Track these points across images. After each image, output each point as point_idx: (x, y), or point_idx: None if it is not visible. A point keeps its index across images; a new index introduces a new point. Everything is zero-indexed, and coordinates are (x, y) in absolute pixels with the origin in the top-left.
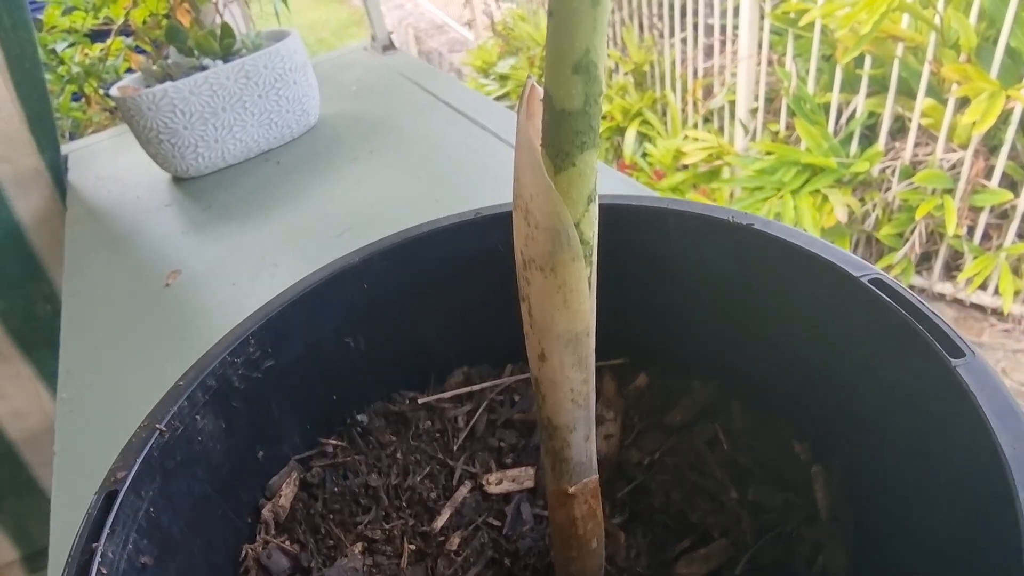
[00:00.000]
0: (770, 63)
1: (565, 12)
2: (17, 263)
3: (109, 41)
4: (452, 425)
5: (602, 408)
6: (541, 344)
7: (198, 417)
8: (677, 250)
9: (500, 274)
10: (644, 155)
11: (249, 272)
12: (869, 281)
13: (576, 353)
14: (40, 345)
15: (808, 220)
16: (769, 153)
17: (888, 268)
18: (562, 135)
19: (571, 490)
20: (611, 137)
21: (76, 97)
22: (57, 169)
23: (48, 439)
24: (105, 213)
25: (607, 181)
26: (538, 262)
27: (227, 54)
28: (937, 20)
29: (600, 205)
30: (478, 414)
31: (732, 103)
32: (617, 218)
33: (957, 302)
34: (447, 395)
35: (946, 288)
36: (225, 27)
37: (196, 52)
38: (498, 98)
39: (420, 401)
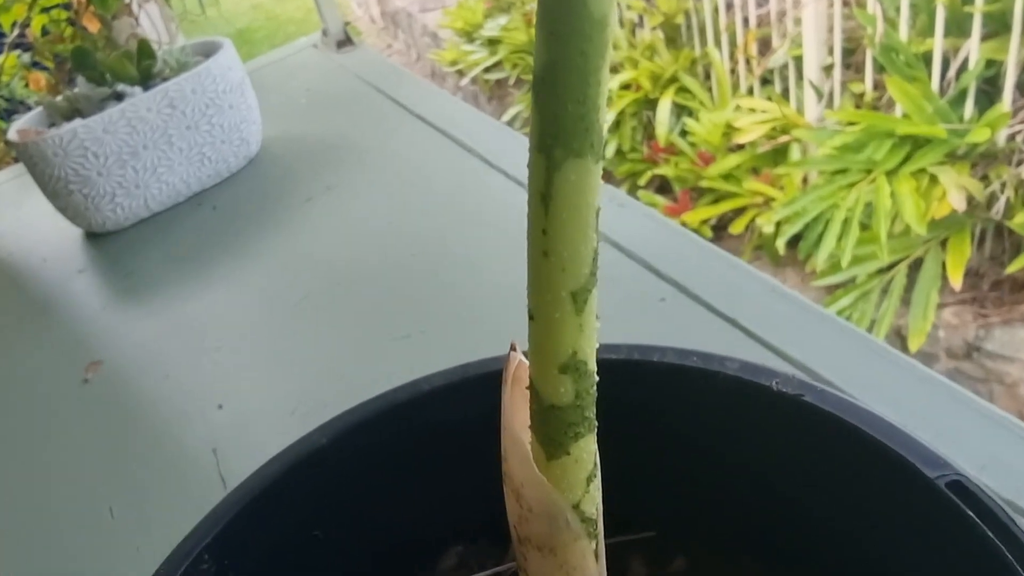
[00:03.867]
0: (846, 3)
1: (546, 319)
2: None
3: (2, 58)
4: None
5: None
6: None
7: None
8: (711, 416)
9: (495, 440)
10: (684, 133)
11: (187, 359)
12: (946, 484)
13: None
14: None
15: (910, 211)
16: (853, 123)
17: None
18: (553, 427)
19: None
20: (638, 112)
21: None
22: None
23: None
24: (6, 286)
25: (628, 218)
26: (535, 542)
27: (146, 78)
28: None
29: (615, 360)
30: None
31: (798, 59)
32: (636, 377)
33: None
34: None
35: None
36: (143, 45)
37: (109, 78)
38: (487, 69)
39: None
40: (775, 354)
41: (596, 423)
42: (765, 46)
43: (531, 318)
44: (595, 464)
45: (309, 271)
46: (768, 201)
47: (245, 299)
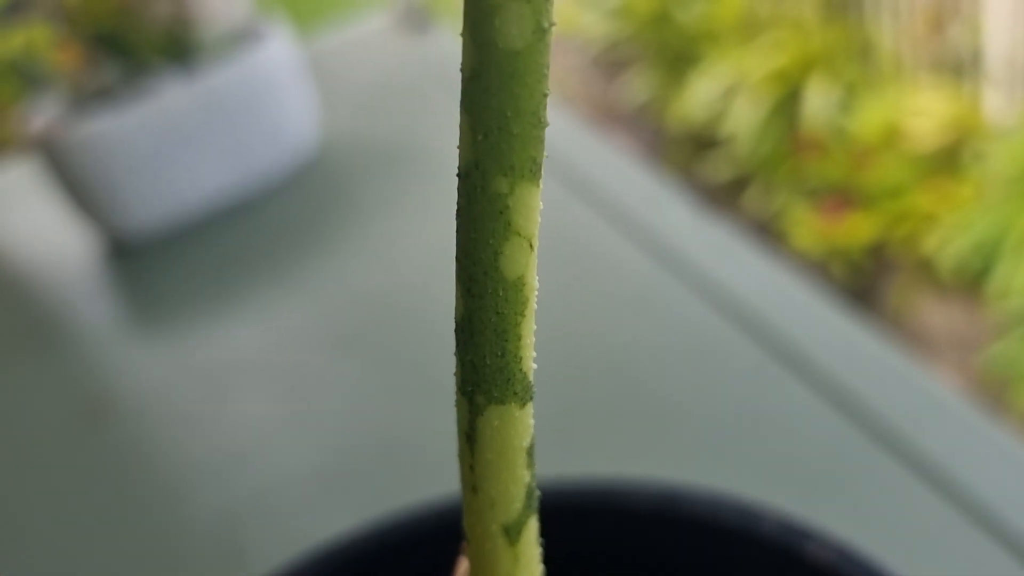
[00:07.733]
0: None
1: (479, 549)
2: None
3: (29, 31)
4: None
5: None
6: None
7: None
8: None
9: None
10: (836, 128)
11: (207, 403)
12: None
13: None
14: None
15: None
16: None
17: None
18: None
19: None
20: (783, 102)
21: None
22: None
23: None
24: (11, 308)
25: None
26: None
27: (188, 65)
28: None
29: (634, 508)
30: None
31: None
32: (656, 533)
33: None
34: None
35: None
36: (183, 26)
37: (144, 63)
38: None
39: None
40: None
41: None
42: (939, 26)
43: (467, 540)
44: None
45: (360, 307)
46: (932, 216)
47: (281, 336)
